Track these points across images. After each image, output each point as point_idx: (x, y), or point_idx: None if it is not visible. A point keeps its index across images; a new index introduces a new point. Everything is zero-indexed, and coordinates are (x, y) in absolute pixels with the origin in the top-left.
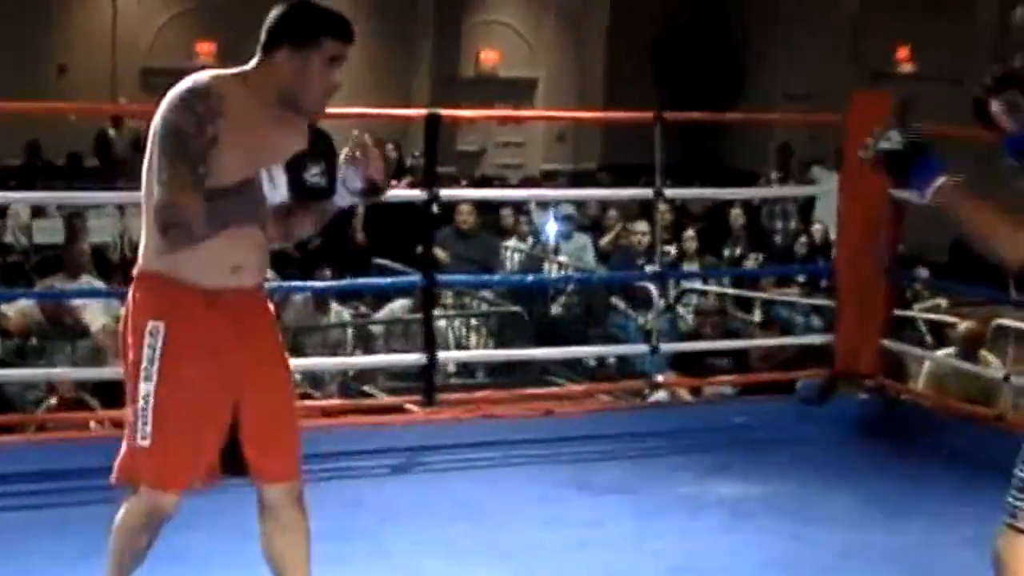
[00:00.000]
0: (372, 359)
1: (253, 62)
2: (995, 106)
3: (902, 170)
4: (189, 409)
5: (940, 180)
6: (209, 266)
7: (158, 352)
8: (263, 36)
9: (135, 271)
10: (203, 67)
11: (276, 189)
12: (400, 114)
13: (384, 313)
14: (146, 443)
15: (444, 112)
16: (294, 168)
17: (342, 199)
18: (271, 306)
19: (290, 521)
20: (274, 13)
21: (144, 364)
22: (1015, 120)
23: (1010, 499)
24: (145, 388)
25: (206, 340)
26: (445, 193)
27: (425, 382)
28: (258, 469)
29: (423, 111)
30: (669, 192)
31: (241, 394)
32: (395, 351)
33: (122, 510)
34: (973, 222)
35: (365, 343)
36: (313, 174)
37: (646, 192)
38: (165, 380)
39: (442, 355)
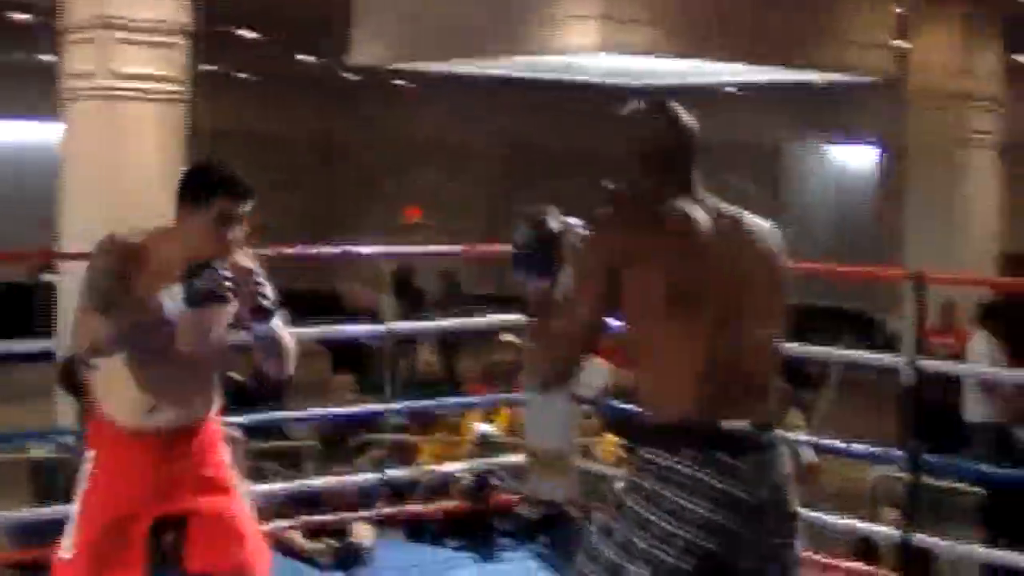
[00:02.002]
0: None
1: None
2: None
3: (527, 266)
4: (101, 539)
5: (539, 283)
6: (126, 409)
7: (86, 479)
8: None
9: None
10: None
11: (174, 301)
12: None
13: None
14: (68, 555)
15: None
16: (186, 277)
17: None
18: (213, 438)
19: None
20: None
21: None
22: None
23: None
24: (72, 508)
25: (122, 478)
26: None
27: None
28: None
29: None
30: None
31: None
32: None
33: None
34: (532, 336)
35: None
36: (203, 279)
37: None
38: (85, 507)
39: None
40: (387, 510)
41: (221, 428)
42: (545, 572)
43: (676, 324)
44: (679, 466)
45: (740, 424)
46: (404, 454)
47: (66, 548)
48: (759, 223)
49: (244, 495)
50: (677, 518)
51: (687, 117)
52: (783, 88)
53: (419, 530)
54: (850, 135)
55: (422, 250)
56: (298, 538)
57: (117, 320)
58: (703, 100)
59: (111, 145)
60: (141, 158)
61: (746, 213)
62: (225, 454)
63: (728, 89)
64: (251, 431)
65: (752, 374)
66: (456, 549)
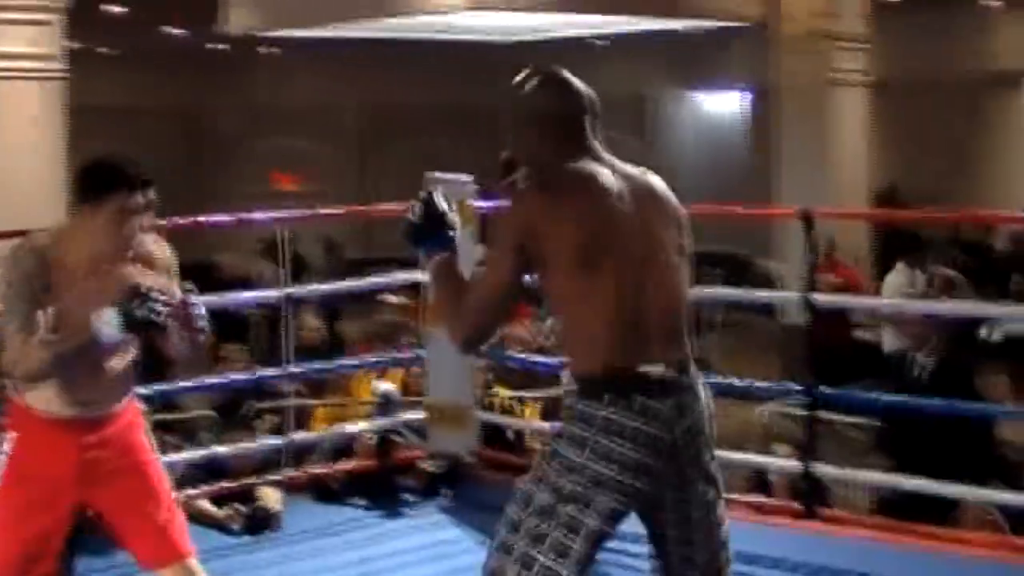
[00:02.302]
0: None
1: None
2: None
3: (417, 240)
4: (22, 522)
5: (438, 256)
6: (57, 402)
7: (4, 461)
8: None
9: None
10: None
11: (110, 327)
12: None
13: None
14: None
15: None
16: (121, 305)
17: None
18: (136, 418)
19: None
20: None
21: None
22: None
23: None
24: None
25: (45, 461)
26: None
27: None
28: (143, 559)
29: None
30: None
31: (98, 508)
32: None
33: None
34: (442, 300)
35: None
36: (136, 307)
37: None
38: (5, 489)
39: None
40: (292, 473)
41: (137, 406)
42: (450, 524)
43: (589, 280)
44: (603, 412)
45: (657, 368)
46: (300, 418)
47: None
48: (654, 177)
49: (162, 469)
50: (605, 460)
51: (580, 81)
52: (650, 39)
53: (325, 491)
54: (718, 81)
55: (313, 214)
56: (206, 505)
57: (52, 351)
58: (572, 54)
59: None
60: (21, 137)
61: (644, 169)
62: (145, 434)
63: (598, 42)
64: (146, 402)
65: (666, 320)
66: (362, 508)
